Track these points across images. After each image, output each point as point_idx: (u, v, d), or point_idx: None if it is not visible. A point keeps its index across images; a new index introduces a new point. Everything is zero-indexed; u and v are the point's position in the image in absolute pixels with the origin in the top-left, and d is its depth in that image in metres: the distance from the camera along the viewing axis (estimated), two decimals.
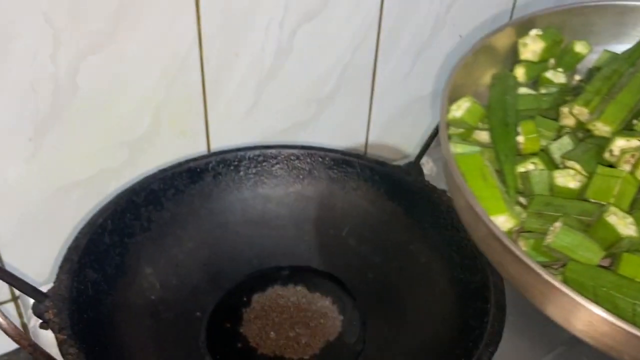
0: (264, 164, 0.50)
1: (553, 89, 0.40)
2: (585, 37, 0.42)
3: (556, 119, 0.38)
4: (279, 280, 0.47)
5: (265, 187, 0.50)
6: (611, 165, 0.33)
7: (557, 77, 0.41)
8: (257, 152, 0.49)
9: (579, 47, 0.42)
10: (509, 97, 0.38)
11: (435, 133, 0.47)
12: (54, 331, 0.31)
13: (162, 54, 0.50)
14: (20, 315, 0.56)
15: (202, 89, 0.55)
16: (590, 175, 0.33)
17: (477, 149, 0.35)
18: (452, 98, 0.36)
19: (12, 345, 0.56)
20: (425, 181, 0.47)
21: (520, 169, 0.34)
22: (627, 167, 0.32)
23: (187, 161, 0.47)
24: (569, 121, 0.37)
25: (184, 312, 0.42)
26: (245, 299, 0.45)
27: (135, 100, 0.51)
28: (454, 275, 0.41)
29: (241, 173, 0.49)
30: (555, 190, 0.33)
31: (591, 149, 0.34)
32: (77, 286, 0.35)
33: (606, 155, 0.34)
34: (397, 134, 0.73)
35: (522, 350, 0.46)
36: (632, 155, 0.32)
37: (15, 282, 0.31)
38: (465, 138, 0.37)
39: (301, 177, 0.50)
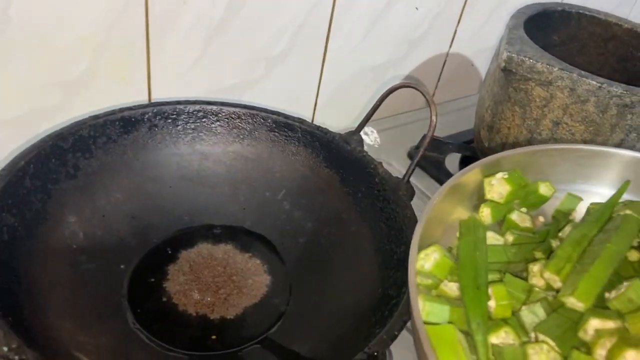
0: (203, 120, 0.48)
1: (519, 235, 0.40)
2: (549, 177, 0.43)
3: (524, 273, 0.38)
4: (210, 238, 0.46)
5: (203, 143, 0.49)
6: (586, 344, 0.33)
7: (522, 219, 0.41)
8: (197, 107, 0.48)
9: (543, 189, 0.43)
10: (480, 254, 0.37)
11: (378, 104, 0.47)
12: None
13: None
14: None
15: (146, 35, 0.53)
16: (565, 357, 0.33)
17: (447, 315, 0.34)
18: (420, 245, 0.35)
19: None
20: (364, 152, 0.47)
21: (493, 339, 0.34)
22: (602, 352, 0.32)
23: (122, 109, 0.45)
24: (538, 281, 0.37)
25: (107, 264, 0.41)
26: (172, 254, 0.45)
27: (73, 39, 0.49)
28: (380, 246, 0.42)
29: (179, 127, 0.48)
30: None
31: (564, 324, 0.34)
32: None
33: (580, 333, 0.33)
34: (346, 102, 0.73)
35: None
36: (609, 340, 0.32)
37: None
38: (433, 289, 0.37)
39: (241, 137, 0.49)
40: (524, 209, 0.43)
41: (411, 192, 0.43)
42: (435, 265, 0.37)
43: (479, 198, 0.42)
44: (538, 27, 0.62)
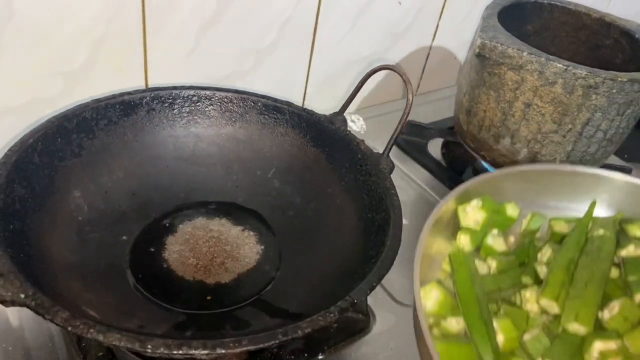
0: (198, 104, 0.52)
1: (501, 261, 0.42)
2: (512, 198, 0.46)
3: (513, 296, 0.40)
4: (205, 213, 0.50)
5: (198, 126, 0.52)
6: None
7: (497, 243, 0.44)
8: (192, 92, 0.51)
9: (510, 210, 0.46)
10: (477, 288, 0.39)
11: (360, 86, 0.51)
12: None
13: None
14: None
15: (143, 28, 0.56)
16: None
17: (464, 353, 0.36)
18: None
19: None
20: (347, 131, 0.50)
21: None
22: None
23: (122, 94, 0.48)
24: (532, 307, 0.40)
25: (110, 234, 0.45)
26: (170, 227, 0.48)
27: (74, 31, 0.52)
28: (362, 215, 0.45)
29: (175, 111, 0.51)
30: None
31: (569, 349, 0.36)
32: (5, 199, 0.37)
33: (586, 356, 0.36)
34: (334, 92, 0.76)
35: None
36: None
37: None
38: (435, 327, 0.39)
39: (233, 119, 0.53)
40: (495, 231, 0.45)
41: (391, 166, 0.47)
42: (437, 304, 0.38)
43: (454, 225, 0.44)
44: (513, 17, 0.66)
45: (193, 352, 0.29)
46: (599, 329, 0.38)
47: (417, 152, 0.70)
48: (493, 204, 0.44)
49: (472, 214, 0.43)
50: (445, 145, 0.73)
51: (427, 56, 0.85)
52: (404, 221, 0.60)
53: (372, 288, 0.36)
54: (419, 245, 0.38)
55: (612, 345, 0.35)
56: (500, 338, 0.37)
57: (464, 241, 0.43)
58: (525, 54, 0.53)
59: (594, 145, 0.58)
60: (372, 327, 0.47)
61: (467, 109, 0.63)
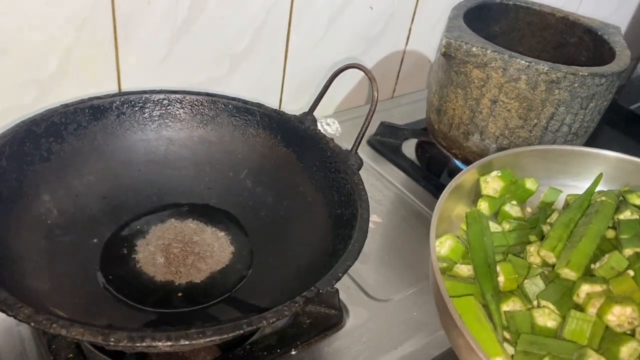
0: (168, 107, 0.52)
1: (514, 223, 0.48)
2: (532, 174, 0.51)
3: (522, 253, 0.45)
4: (177, 215, 0.50)
5: (169, 129, 0.53)
6: (579, 306, 0.40)
7: (514, 210, 0.49)
8: (162, 95, 0.52)
9: (529, 184, 0.50)
10: (486, 239, 0.44)
11: (327, 86, 0.52)
12: None
13: None
14: None
15: (114, 35, 0.57)
16: (564, 316, 0.39)
17: (465, 289, 0.40)
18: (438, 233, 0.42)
19: None
20: (317, 129, 0.51)
21: (504, 307, 0.40)
22: (593, 310, 0.39)
23: (91, 98, 0.49)
24: (535, 259, 0.44)
25: (80, 238, 0.45)
26: (142, 230, 0.48)
27: (44, 39, 0.52)
28: (332, 211, 0.46)
29: (146, 114, 0.51)
30: (536, 329, 0.39)
31: (560, 291, 0.41)
32: None
33: (574, 297, 0.40)
34: (310, 96, 0.77)
35: (393, 283, 0.53)
36: (597, 300, 0.39)
37: None
38: (448, 271, 0.43)
39: (205, 122, 0.53)
40: (514, 202, 0.49)
41: (359, 162, 0.47)
42: (450, 250, 0.43)
43: (475, 194, 0.49)
44: (480, 19, 0.67)
45: (156, 343, 0.30)
46: (590, 276, 0.42)
47: (391, 153, 0.71)
48: (511, 175, 0.49)
49: (492, 182, 0.48)
50: (419, 146, 0.74)
51: (402, 60, 0.87)
52: (379, 219, 0.61)
53: (338, 278, 0.36)
54: (437, 206, 0.42)
55: (597, 288, 0.40)
56: (501, 279, 0.42)
57: (483, 206, 0.48)
58: (489, 51, 0.55)
59: (560, 139, 0.59)
60: (346, 322, 0.47)
61: (437, 108, 0.64)
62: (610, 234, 0.46)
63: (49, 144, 0.46)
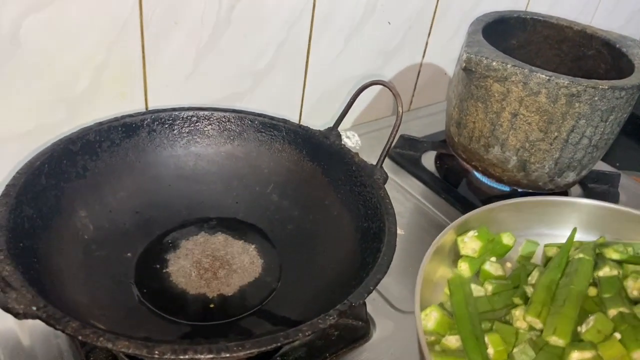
0: (197, 124, 0.54)
1: (496, 284, 0.47)
2: (508, 228, 0.51)
3: (507, 316, 0.45)
4: (206, 229, 0.51)
5: (197, 145, 0.54)
6: None
7: (494, 268, 0.48)
8: (191, 112, 0.53)
9: (506, 239, 0.50)
10: (471, 308, 0.44)
11: (350, 104, 0.53)
12: None
13: (103, 16, 0.53)
14: None
15: (142, 54, 0.59)
16: None
17: None
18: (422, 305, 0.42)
19: None
20: (341, 144, 0.52)
21: None
22: None
23: (124, 117, 0.50)
24: (521, 324, 0.44)
25: (115, 252, 0.46)
26: (173, 243, 0.49)
27: (75, 59, 0.54)
28: (359, 224, 0.47)
29: (175, 131, 0.53)
30: None
31: (551, 359, 0.41)
32: (14, 219, 0.38)
33: None
34: (329, 109, 0.79)
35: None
36: None
37: None
38: (436, 344, 0.44)
39: (232, 138, 0.55)
40: (493, 259, 0.49)
41: (385, 176, 0.49)
42: (437, 324, 0.43)
43: (455, 254, 0.49)
44: (497, 33, 0.68)
45: (199, 356, 0.31)
46: (578, 341, 0.42)
47: (411, 165, 0.72)
48: (488, 234, 0.49)
49: (470, 243, 0.48)
50: (438, 158, 0.75)
51: (418, 73, 0.88)
52: (400, 231, 0.62)
53: (369, 292, 0.37)
54: (420, 272, 0.42)
55: (587, 354, 0.40)
56: (490, 351, 0.41)
57: (463, 267, 0.47)
58: (509, 66, 0.56)
59: (580, 152, 0.60)
60: (373, 334, 0.48)
61: (457, 121, 0.65)
62: (592, 291, 0.46)
63: (84, 161, 0.47)
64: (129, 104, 0.60)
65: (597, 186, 0.72)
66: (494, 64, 0.56)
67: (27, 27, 0.49)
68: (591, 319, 0.42)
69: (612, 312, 0.43)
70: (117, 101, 0.59)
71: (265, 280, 0.47)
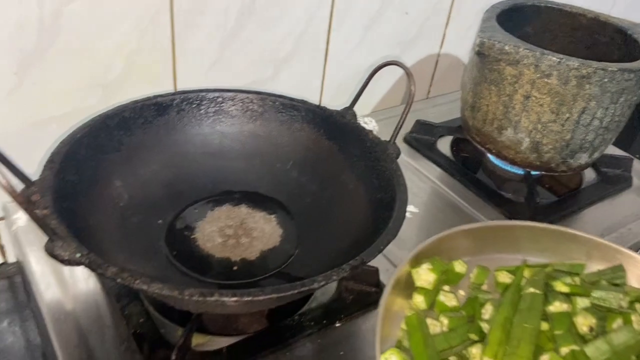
0: (222, 104, 0.57)
1: (452, 317, 0.47)
2: (459, 255, 0.52)
3: (463, 352, 0.45)
4: (230, 201, 0.55)
5: (222, 124, 0.58)
6: None
7: (448, 299, 0.48)
8: (216, 94, 0.57)
9: (458, 267, 0.51)
10: (429, 349, 0.44)
11: (367, 82, 0.56)
12: (38, 208, 0.39)
13: (136, 6, 0.57)
14: None
15: (172, 42, 0.63)
16: None
17: None
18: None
19: None
20: (357, 123, 0.55)
21: None
22: None
23: (156, 96, 0.54)
24: None
25: (148, 219, 0.50)
26: (200, 213, 0.53)
27: (110, 46, 0.58)
28: (372, 196, 0.50)
29: (202, 111, 0.57)
30: None
31: None
32: (58, 182, 0.42)
33: None
34: (348, 97, 0.81)
35: None
36: None
37: (11, 167, 0.38)
38: None
39: (254, 118, 0.58)
40: (446, 287, 0.49)
41: (397, 151, 0.51)
42: None
43: (409, 286, 0.49)
44: (512, 20, 0.70)
45: (224, 299, 0.34)
46: None
47: (427, 149, 0.74)
48: (441, 265, 0.49)
49: (424, 275, 0.48)
50: (454, 143, 0.77)
51: (436, 62, 0.90)
52: (415, 210, 0.64)
53: (380, 250, 0.40)
54: (380, 309, 0.42)
55: None
56: None
57: (418, 300, 0.48)
58: (521, 49, 0.58)
59: (592, 134, 0.61)
60: None
61: (471, 105, 0.68)
62: (545, 326, 0.46)
63: (119, 136, 0.51)
64: (159, 89, 0.64)
65: (609, 170, 0.73)
66: (506, 47, 0.58)
67: (67, 15, 0.54)
68: (545, 359, 0.43)
69: (564, 349, 0.43)
70: (148, 86, 0.63)
71: (285, 247, 0.51)
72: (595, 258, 0.52)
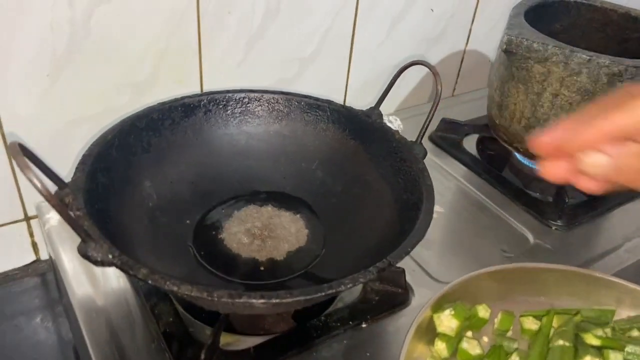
0: (248, 105, 0.58)
1: None
2: (484, 299, 0.50)
3: None
4: (257, 201, 0.55)
5: (248, 125, 0.58)
6: None
7: (471, 346, 0.47)
8: (243, 94, 0.57)
9: (482, 312, 0.49)
10: None
11: (393, 82, 0.56)
12: (71, 210, 0.40)
13: (163, 7, 0.58)
14: (31, 234, 0.64)
15: (198, 42, 0.63)
16: None
17: None
18: None
19: (22, 262, 0.64)
20: (383, 123, 0.55)
21: None
22: None
23: (183, 97, 0.55)
24: None
25: (176, 219, 0.51)
26: (227, 213, 0.54)
27: (139, 47, 0.59)
28: (398, 196, 0.50)
29: (229, 112, 0.57)
30: None
31: None
32: (90, 184, 0.43)
33: None
34: (373, 96, 0.81)
35: (455, 267, 0.56)
36: None
37: (45, 169, 0.39)
38: None
39: (280, 118, 0.58)
40: (469, 333, 0.48)
41: (424, 152, 0.51)
42: None
43: (431, 332, 0.48)
44: (541, 17, 0.69)
45: (252, 300, 0.35)
46: None
47: (452, 148, 0.74)
48: (465, 310, 0.48)
49: (447, 321, 0.47)
50: (480, 141, 0.76)
51: (462, 60, 0.89)
52: (441, 209, 0.64)
53: (407, 252, 0.40)
54: (402, 357, 0.41)
55: None
56: None
57: (440, 347, 0.46)
58: (549, 47, 0.57)
59: None
60: (411, 301, 0.51)
61: (498, 104, 0.67)
62: None
63: (148, 137, 0.52)
64: (185, 89, 0.65)
65: None
66: (534, 45, 0.57)
67: (97, 16, 0.55)
68: None
69: None
70: (175, 86, 0.64)
71: (311, 248, 0.51)
72: (626, 304, 0.50)
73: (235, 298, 0.34)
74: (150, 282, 0.35)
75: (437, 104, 0.50)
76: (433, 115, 0.50)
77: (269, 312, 0.46)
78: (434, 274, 0.54)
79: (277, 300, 0.35)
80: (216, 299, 0.34)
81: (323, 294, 0.36)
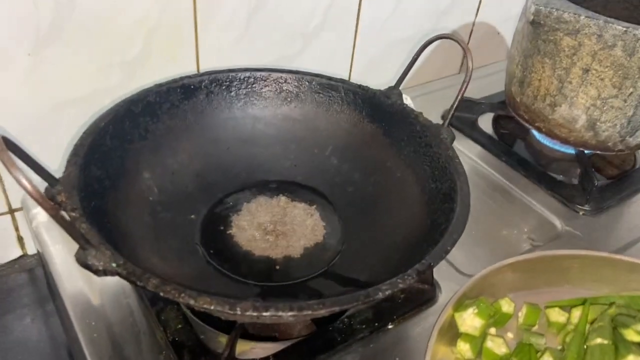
0: (254, 85, 0.53)
1: None
2: (506, 292, 0.47)
3: None
4: (267, 192, 0.51)
5: (254, 107, 0.53)
6: None
7: (497, 345, 0.43)
8: (247, 74, 0.52)
9: (505, 307, 0.46)
10: None
11: (414, 61, 0.51)
12: (66, 210, 0.35)
13: None
14: (16, 228, 0.59)
15: (194, 17, 0.57)
16: None
17: None
18: None
19: (8, 257, 0.59)
20: (404, 104, 0.50)
21: None
22: None
23: (182, 78, 0.50)
24: None
25: (180, 214, 0.46)
26: (235, 206, 0.49)
27: (129, 22, 0.53)
28: (425, 185, 0.45)
29: (232, 93, 0.52)
30: None
31: None
32: (84, 179, 0.38)
33: None
34: (377, 74, 0.76)
35: (481, 258, 0.52)
36: None
37: (33, 165, 0.34)
38: None
39: (289, 99, 0.53)
40: (493, 330, 0.45)
41: (452, 136, 0.47)
42: None
43: (453, 332, 0.44)
44: None
45: (280, 313, 0.30)
46: None
47: (467, 127, 0.69)
48: (488, 308, 0.44)
49: (470, 320, 0.44)
50: (496, 120, 0.72)
51: (471, 33, 0.84)
52: None
53: (447, 252, 0.36)
54: (427, 356, 0.39)
55: None
56: None
57: (464, 348, 0.43)
58: (582, 17, 0.52)
59: None
60: (439, 297, 0.47)
61: (520, 80, 0.62)
62: None
63: (145, 123, 0.47)
64: (181, 68, 0.59)
65: None
66: (565, 15, 0.53)
67: None
68: None
69: None
70: (170, 65, 0.58)
71: (330, 243, 0.47)
72: None
73: (261, 311, 0.30)
74: (162, 294, 0.31)
75: (468, 82, 0.45)
76: (463, 95, 0.46)
77: (295, 321, 0.42)
78: (460, 267, 0.50)
79: (309, 312, 0.31)
80: (239, 313, 0.30)
81: (359, 302, 0.32)
